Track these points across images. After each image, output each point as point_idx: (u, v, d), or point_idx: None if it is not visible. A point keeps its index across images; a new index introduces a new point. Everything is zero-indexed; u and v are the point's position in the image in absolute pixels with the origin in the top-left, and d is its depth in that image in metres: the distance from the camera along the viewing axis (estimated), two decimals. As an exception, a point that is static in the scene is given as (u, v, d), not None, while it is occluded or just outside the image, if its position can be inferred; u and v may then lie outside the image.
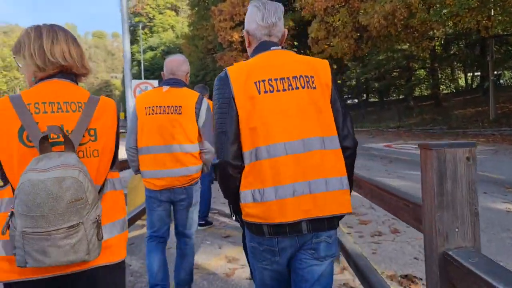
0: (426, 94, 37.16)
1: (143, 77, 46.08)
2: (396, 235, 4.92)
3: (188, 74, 3.07)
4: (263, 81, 1.63)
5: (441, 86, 30.75)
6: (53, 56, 1.47)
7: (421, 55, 24.07)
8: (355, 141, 1.72)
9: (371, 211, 6.09)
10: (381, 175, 9.46)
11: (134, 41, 70.03)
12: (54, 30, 1.51)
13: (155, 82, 8.02)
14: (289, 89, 1.64)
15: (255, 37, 1.79)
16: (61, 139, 1.38)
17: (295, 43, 36.79)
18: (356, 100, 46.84)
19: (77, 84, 1.58)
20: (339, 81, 37.94)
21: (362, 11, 17.80)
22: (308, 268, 1.65)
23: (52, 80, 1.49)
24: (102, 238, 1.38)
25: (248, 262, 2.31)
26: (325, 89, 1.68)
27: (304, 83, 1.65)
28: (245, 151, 1.62)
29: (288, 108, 1.62)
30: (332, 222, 1.64)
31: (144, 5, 69.48)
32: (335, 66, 32.78)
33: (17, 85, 64.79)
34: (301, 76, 1.66)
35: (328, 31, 20.40)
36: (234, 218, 1.82)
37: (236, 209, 1.73)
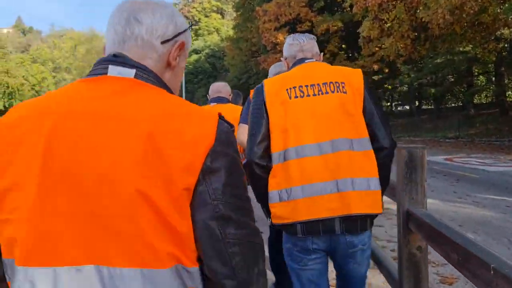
0: (486, 101, 33.97)
1: (184, 87, 45.80)
2: None
3: (231, 96, 3.53)
4: (294, 87, 1.77)
5: (507, 93, 27.56)
6: None
7: (487, 58, 21.43)
8: (392, 141, 1.80)
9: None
10: (449, 198, 7.65)
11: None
12: None
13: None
14: (319, 94, 1.76)
15: (291, 56, 1.99)
16: None
17: (343, 46, 34.73)
18: (407, 107, 44.08)
19: None
20: (389, 87, 35.42)
21: (421, 7, 15.70)
22: (351, 269, 1.80)
23: None
24: None
25: (272, 268, 2.84)
26: (357, 94, 1.77)
27: (334, 88, 1.76)
28: (274, 152, 1.72)
29: (317, 111, 1.73)
30: (364, 223, 1.72)
31: (190, 8, 69.82)
32: (386, 70, 30.42)
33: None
34: (331, 82, 1.78)
35: (381, 29, 18.37)
36: (269, 221, 1.89)
37: (267, 211, 1.80)
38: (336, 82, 1.77)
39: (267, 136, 1.75)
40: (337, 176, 1.69)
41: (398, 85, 34.78)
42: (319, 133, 1.71)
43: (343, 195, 1.67)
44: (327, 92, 1.76)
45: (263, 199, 1.79)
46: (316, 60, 1.94)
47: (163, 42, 0.93)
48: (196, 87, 55.76)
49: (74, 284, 0.75)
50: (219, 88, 3.48)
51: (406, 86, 36.22)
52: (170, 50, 0.94)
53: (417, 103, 39.15)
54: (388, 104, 42.55)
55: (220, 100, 3.38)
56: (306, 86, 1.77)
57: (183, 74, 1.07)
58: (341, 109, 1.74)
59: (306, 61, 1.91)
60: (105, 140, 0.77)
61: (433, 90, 28.05)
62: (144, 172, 0.75)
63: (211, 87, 3.54)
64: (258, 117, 1.77)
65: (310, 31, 33.17)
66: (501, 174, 10.66)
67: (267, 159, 1.75)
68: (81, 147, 0.77)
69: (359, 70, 1.86)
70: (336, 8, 33.85)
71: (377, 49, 29.39)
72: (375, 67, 29.94)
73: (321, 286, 1.85)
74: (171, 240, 0.77)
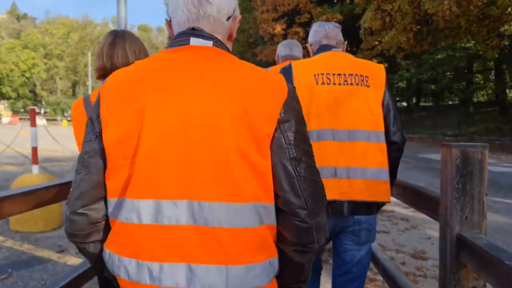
0: (484, 100, 33.46)
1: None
2: None
3: None
4: (322, 74, 1.83)
5: (507, 91, 27.01)
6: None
7: (490, 55, 20.83)
8: (402, 138, 1.88)
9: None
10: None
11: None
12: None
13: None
14: (344, 84, 1.82)
15: (316, 42, 2.04)
16: None
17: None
18: (404, 104, 43.43)
19: None
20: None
21: (426, -2, 15.03)
22: (348, 252, 1.86)
23: None
24: None
25: None
26: (379, 89, 1.85)
27: (359, 81, 1.83)
28: None
29: (341, 100, 1.79)
30: (370, 208, 1.82)
31: (188, -2, 68.47)
32: (386, 65, 29.77)
33: (56, 74, 65.16)
34: (356, 74, 1.84)
35: (383, 21, 17.67)
36: None
37: None
38: (361, 75, 1.84)
39: None
40: (350, 164, 1.76)
41: (397, 81, 34.14)
42: (339, 121, 1.78)
43: (352, 182, 1.75)
44: (351, 84, 1.82)
45: None
46: (341, 50, 1.99)
47: (227, 19, 1.08)
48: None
49: (170, 213, 0.91)
50: None
51: (405, 82, 35.68)
52: (232, 24, 1.11)
53: (414, 99, 38.53)
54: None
55: None
56: (334, 74, 1.83)
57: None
58: (363, 102, 1.81)
59: (333, 49, 1.95)
60: (203, 98, 0.93)
61: (432, 87, 27.38)
62: (235, 124, 0.91)
63: None
64: None
65: (309, 23, 32.44)
66: (506, 176, 10.10)
67: None
68: (183, 104, 0.93)
69: (382, 66, 1.92)
70: (335, 0, 33.03)
71: (376, 43, 28.82)
72: (374, 61, 29.31)
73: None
74: (254, 179, 0.92)
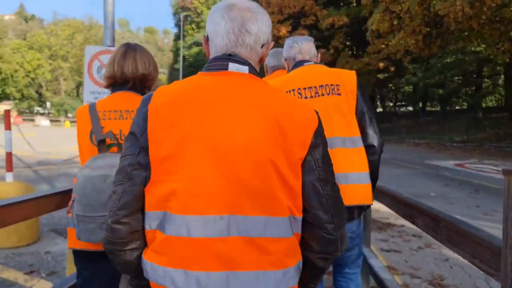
0: (493, 105, 32.80)
1: (181, 73, 44.58)
2: None
3: None
4: (293, 90, 1.91)
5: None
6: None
7: (500, 59, 20.21)
8: (379, 140, 1.94)
9: None
10: (473, 214, 6.57)
11: (180, 36, 69.71)
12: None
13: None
14: (315, 96, 1.91)
15: (290, 58, 2.12)
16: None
17: (347, 43, 33.52)
18: (410, 108, 42.83)
19: (144, 93, 1.85)
20: (393, 87, 34.23)
21: None
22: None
23: (120, 92, 1.84)
24: None
25: None
26: (350, 95, 1.92)
27: (330, 90, 1.91)
28: None
29: None
30: (352, 213, 1.87)
31: (193, 0, 68.24)
32: (392, 68, 29.25)
33: (61, 75, 64.57)
34: (327, 84, 1.92)
35: (391, 23, 17.15)
36: None
37: None
38: (331, 85, 1.92)
39: None
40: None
41: (403, 85, 33.56)
42: None
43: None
44: (322, 94, 1.90)
45: None
46: (314, 62, 2.07)
47: (262, 46, 1.16)
48: (196, 80, 54.23)
49: (216, 227, 0.99)
50: None
51: (411, 86, 35.09)
52: (265, 50, 1.18)
53: (420, 104, 37.88)
54: (392, 104, 41.22)
55: None
56: (304, 88, 1.92)
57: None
58: (336, 110, 1.88)
59: (305, 63, 2.04)
60: (244, 121, 1.03)
61: (440, 91, 26.75)
62: (273, 147, 1.02)
63: None
64: None
65: (314, 25, 31.99)
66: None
67: None
68: (226, 126, 1.03)
69: (353, 72, 1.99)
70: (342, 3, 32.55)
71: (383, 46, 28.28)
72: (381, 65, 28.76)
73: None
74: (289, 196, 1.04)
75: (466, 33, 15.68)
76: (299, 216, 1.07)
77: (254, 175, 1.00)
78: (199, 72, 1.13)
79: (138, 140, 1.06)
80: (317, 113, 1.13)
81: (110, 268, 1.46)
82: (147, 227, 1.06)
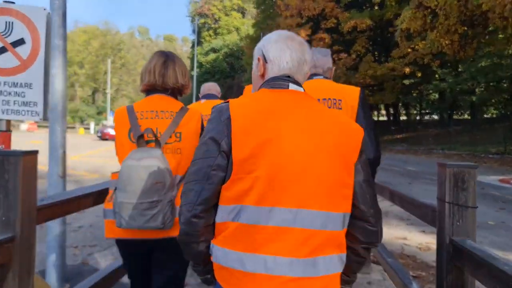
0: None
1: (195, 86, 43.50)
2: None
3: (220, 94, 4.06)
4: None
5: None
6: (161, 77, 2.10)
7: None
8: (376, 153, 2.08)
9: None
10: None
11: (198, 42, 69.07)
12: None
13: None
14: None
15: None
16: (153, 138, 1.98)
17: (370, 47, 31.76)
18: (435, 117, 40.64)
19: (176, 97, 2.18)
20: (414, 94, 32.20)
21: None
22: None
23: (155, 94, 2.10)
24: (175, 215, 1.88)
25: None
26: (350, 110, 2.07)
27: (331, 105, 2.07)
28: None
29: None
30: None
31: (211, 6, 67.46)
32: (419, 74, 27.43)
33: (76, 81, 64.33)
34: (329, 99, 2.08)
35: (425, 21, 15.48)
36: None
37: None
38: (334, 99, 2.08)
39: None
40: None
41: (431, 91, 31.56)
42: None
43: None
44: None
45: None
46: (323, 77, 2.25)
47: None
48: (212, 87, 53.26)
49: (284, 217, 1.18)
50: (210, 87, 3.94)
51: (436, 93, 33.06)
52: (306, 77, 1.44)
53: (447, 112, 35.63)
54: (416, 112, 39.09)
55: (210, 96, 3.83)
56: None
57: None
58: None
59: (313, 77, 2.22)
60: (313, 131, 1.24)
61: (473, 98, 24.69)
62: (336, 152, 1.23)
63: (202, 86, 4.01)
64: None
65: (335, 29, 30.45)
66: None
67: None
68: (299, 136, 1.22)
69: (358, 89, 2.14)
70: (365, 5, 30.90)
71: (409, 50, 26.53)
72: (407, 70, 26.98)
73: None
74: (346, 196, 1.25)
75: (509, 32, 13.86)
76: (349, 213, 1.27)
77: (320, 178, 1.21)
78: (262, 88, 1.35)
79: (220, 144, 1.22)
80: (359, 125, 1.37)
81: (146, 251, 2.03)
82: (218, 219, 1.24)
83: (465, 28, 14.99)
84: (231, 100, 1.29)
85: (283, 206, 1.17)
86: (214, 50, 60.63)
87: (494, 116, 30.91)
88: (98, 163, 15.35)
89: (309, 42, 31.05)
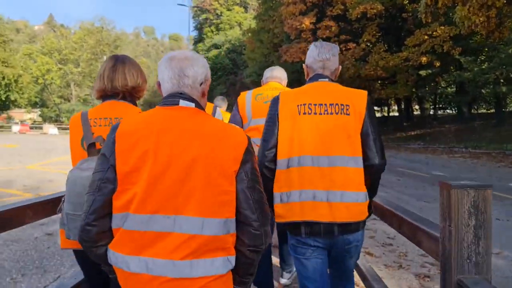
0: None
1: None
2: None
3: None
4: (304, 104, 2.04)
5: None
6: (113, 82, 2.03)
7: None
8: (381, 160, 2.04)
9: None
10: None
11: (200, 39, 66.67)
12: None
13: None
14: (325, 113, 2.02)
15: (312, 69, 2.23)
16: None
17: (380, 37, 28.85)
18: (449, 111, 37.75)
19: (134, 102, 2.09)
20: (426, 88, 29.27)
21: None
22: (345, 261, 2.16)
23: (108, 101, 2.04)
24: None
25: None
26: (358, 116, 2.02)
27: (339, 110, 2.02)
28: (280, 159, 2.03)
29: (321, 128, 2.00)
30: (357, 225, 2.03)
31: (212, 1, 64.96)
32: (437, 64, 24.57)
33: (71, 80, 61.86)
34: (337, 104, 2.03)
35: (453, -7, 12.75)
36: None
37: (272, 210, 2.11)
38: (342, 104, 2.02)
39: (276, 144, 2.05)
40: (329, 188, 1.94)
41: (449, 83, 28.63)
42: (319, 148, 1.97)
43: (332, 205, 1.94)
44: (332, 113, 2.01)
45: (269, 199, 1.93)
46: (329, 80, 2.17)
47: (200, 84, 1.51)
48: (214, 84, 50.70)
49: (163, 223, 1.29)
50: None
51: (454, 86, 30.17)
52: (204, 86, 1.54)
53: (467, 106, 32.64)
54: (431, 106, 36.07)
55: None
56: (315, 104, 2.03)
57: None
58: (342, 129, 1.99)
59: (320, 79, 2.15)
60: (190, 144, 1.35)
61: (504, 89, 21.72)
62: (212, 162, 1.33)
63: None
64: (271, 125, 2.08)
65: (342, 16, 27.69)
66: None
67: (274, 164, 2.05)
68: (176, 149, 1.34)
69: (365, 93, 2.08)
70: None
71: (425, 37, 23.78)
72: (424, 59, 24.14)
73: (324, 274, 2.14)
74: (226, 202, 1.34)
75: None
76: (233, 218, 1.37)
77: (197, 185, 1.32)
78: (157, 106, 1.47)
79: (108, 160, 1.36)
80: (247, 136, 1.45)
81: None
82: (114, 226, 1.35)
83: (505, 1, 12.24)
84: (125, 118, 1.50)
85: (161, 213, 1.30)
86: (216, 46, 58.19)
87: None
88: (51, 175, 12.44)
89: (314, 31, 28.47)
